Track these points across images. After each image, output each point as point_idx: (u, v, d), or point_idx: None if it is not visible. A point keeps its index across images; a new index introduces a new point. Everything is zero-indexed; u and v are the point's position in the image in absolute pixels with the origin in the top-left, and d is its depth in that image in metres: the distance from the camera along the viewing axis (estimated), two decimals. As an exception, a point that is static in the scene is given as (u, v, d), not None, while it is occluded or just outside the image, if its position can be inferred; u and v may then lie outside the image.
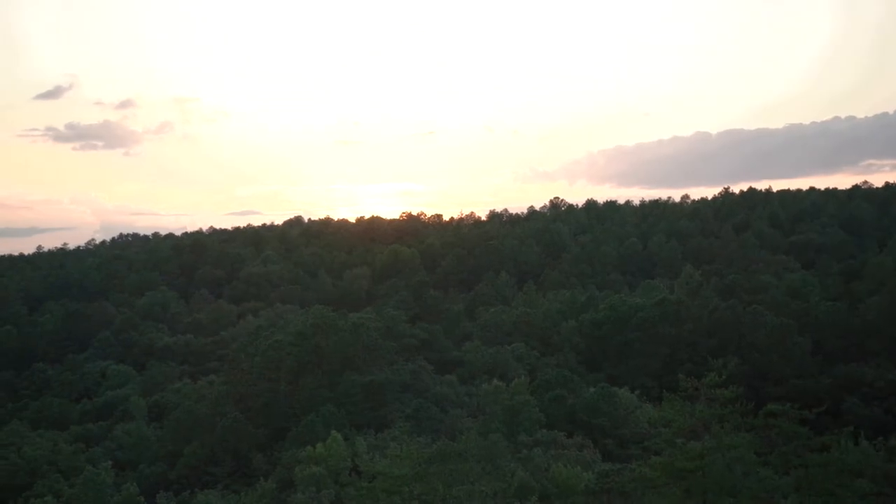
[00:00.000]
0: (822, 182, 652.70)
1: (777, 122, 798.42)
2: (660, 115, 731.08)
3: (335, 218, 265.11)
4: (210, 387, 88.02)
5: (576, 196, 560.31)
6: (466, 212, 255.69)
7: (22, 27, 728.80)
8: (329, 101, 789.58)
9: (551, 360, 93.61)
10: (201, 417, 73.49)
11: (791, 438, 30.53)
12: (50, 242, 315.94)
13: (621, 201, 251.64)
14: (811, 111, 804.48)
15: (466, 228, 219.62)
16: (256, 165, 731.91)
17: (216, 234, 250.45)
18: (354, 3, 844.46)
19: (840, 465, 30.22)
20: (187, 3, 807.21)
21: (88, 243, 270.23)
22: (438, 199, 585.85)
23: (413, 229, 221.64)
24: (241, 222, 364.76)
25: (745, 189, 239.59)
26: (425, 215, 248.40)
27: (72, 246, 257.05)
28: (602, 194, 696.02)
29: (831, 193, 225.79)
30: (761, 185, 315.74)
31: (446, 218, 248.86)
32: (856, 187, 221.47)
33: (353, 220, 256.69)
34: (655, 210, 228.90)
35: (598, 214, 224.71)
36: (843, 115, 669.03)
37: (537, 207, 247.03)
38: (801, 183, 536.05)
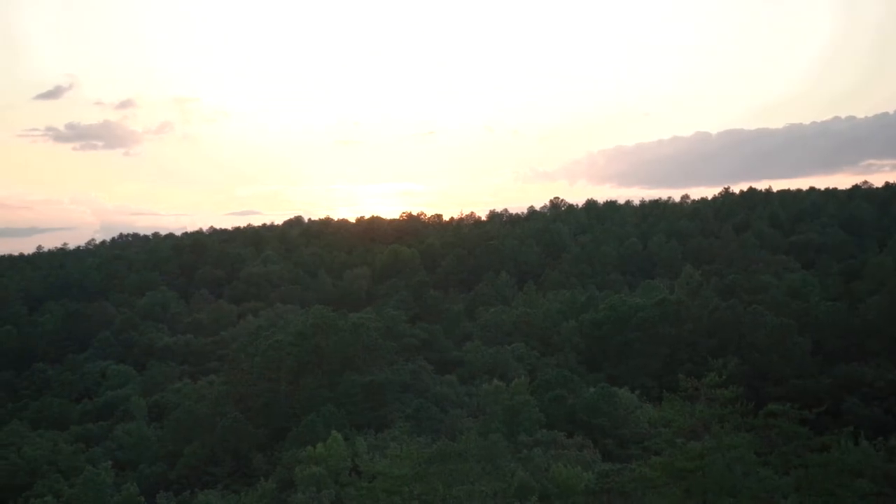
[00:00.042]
0: (822, 182, 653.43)
1: (777, 122, 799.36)
2: (660, 115, 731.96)
3: (335, 218, 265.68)
4: (210, 387, 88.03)
5: (576, 196, 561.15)
6: (466, 212, 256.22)
7: (22, 27, 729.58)
8: (329, 101, 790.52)
9: (551, 360, 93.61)
10: (201, 417, 73.49)
11: (791, 438, 30.53)
12: (50, 242, 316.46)
13: (621, 201, 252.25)
14: (811, 111, 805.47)
15: (466, 228, 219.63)
16: (256, 165, 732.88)
17: (216, 234, 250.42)
18: (354, 3, 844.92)
19: (840, 465, 30.23)
20: (187, 3, 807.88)
21: (88, 243, 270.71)
22: (438, 199, 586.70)
23: (413, 229, 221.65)
24: (241, 222, 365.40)
25: (745, 189, 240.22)
26: (425, 215, 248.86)
27: (72, 246, 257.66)
28: (602, 194, 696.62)
29: (831, 193, 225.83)
30: (761, 185, 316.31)
31: (446, 218, 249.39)
32: (856, 187, 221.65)
33: (353, 220, 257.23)
34: (655, 210, 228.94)
35: (598, 214, 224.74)
36: (843, 115, 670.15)
37: (537, 207, 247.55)
38: (801, 183, 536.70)
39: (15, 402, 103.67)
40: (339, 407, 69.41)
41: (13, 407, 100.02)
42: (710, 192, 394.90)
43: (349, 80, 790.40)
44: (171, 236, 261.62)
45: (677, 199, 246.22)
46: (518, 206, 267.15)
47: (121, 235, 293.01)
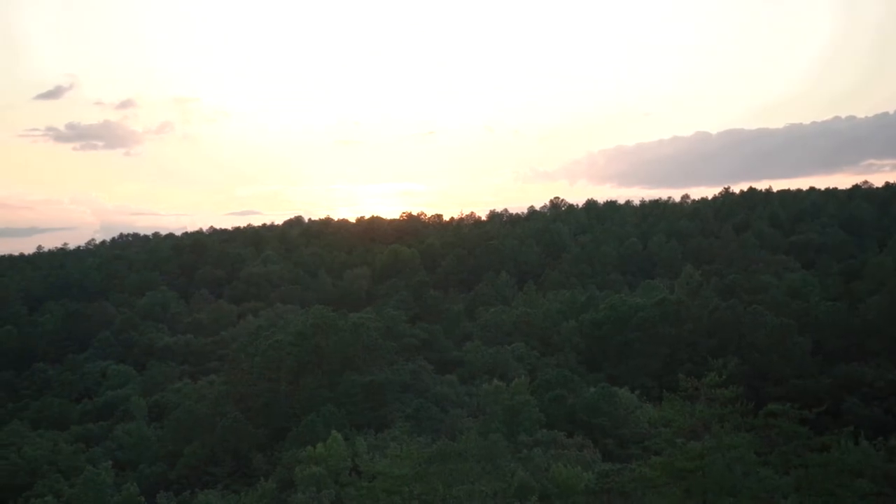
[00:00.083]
0: (822, 182, 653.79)
1: (777, 122, 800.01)
2: (660, 115, 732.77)
3: (335, 218, 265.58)
4: (210, 387, 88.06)
5: (576, 196, 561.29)
6: (466, 212, 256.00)
7: (22, 27, 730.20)
8: (329, 101, 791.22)
9: (551, 360, 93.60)
10: (201, 417, 73.49)
11: (791, 438, 30.52)
12: (50, 242, 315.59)
13: (621, 201, 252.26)
14: (811, 111, 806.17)
15: (466, 228, 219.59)
16: (256, 165, 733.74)
17: (216, 234, 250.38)
18: (354, 3, 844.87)
19: (840, 465, 30.22)
20: (187, 3, 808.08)
21: (88, 243, 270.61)
22: (438, 199, 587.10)
23: (413, 229, 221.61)
24: (242, 222, 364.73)
25: (745, 189, 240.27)
26: (425, 215, 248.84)
27: (72, 246, 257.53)
28: (602, 194, 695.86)
29: (831, 193, 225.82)
30: (761, 185, 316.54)
31: (446, 218, 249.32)
32: (856, 187, 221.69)
33: (353, 220, 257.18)
34: (655, 210, 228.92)
35: (599, 214, 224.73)
36: (843, 115, 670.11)
37: (537, 207, 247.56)
38: (802, 183, 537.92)
39: (15, 402, 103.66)
40: (339, 407, 69.40)
41: (13, 407, 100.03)
42: (711, 192, 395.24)
43: (349, 80, 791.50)
44: (171, 236, 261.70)
45: (677, 199, 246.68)
46: (518, 206, 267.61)
47: (121, 235, 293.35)
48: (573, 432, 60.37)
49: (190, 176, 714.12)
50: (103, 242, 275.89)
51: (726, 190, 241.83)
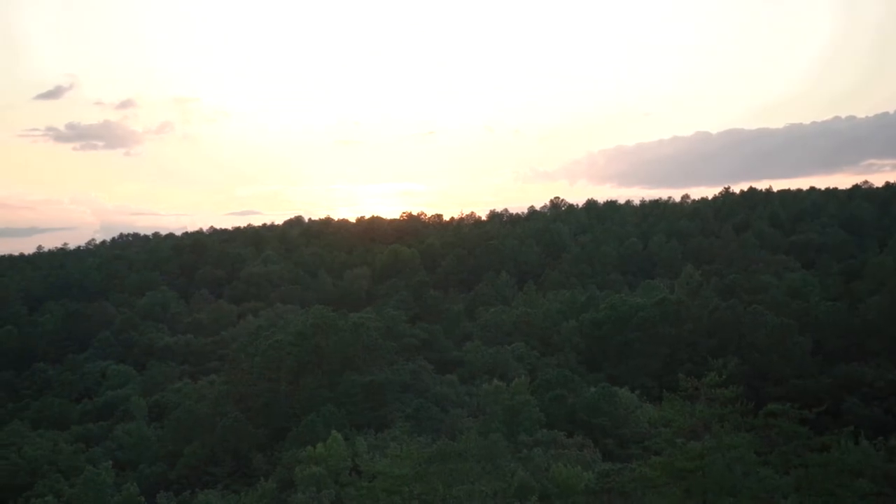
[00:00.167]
0: (822, 182, 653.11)
1: (777, 122, 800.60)
2: (660, 115, 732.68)
3: (335, 218, 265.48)
4: (210, 387, 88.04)
5: (576, 196, 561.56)
6: (467, 212, 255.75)
7: (22, 27, 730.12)
8: (329, 101, 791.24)
9: (551, 359, 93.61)
10: (201, 417, 73.50)
11: (791, 438, 30.51)
12: (50, 242, 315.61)
13: (621, 201, 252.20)
14: (811, 111, 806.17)
15: (467, 228, 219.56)
16: (256, 165, 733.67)
17: (216, 234, 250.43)
18: (354, 3, 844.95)
19: (840, 465, 30.21)
20: (187, 3, 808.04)
21: (88, 243, 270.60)
22: (438, 199, 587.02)
23: (413, 229, 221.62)
24: (242, 222, 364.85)
25: (745, 189, 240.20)
26: (425, 215, 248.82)
27: (72, 246, 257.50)
28: (602, 194, 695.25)
29: (832, 193, 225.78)
30: (762, 185, 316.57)
31: (446, 218, 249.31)
32: (856, 187, 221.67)
33: (353, 220, 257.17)
34: (656, 210, 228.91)
35: (599, 214, 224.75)
36: (843, 115, 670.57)
37: (537, 207, 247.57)
38: (802, 183, 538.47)
39: (15, 402, 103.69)
40: (339, 407, 69.41)
41: (13, 407, 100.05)
42: (711, 191, 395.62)
43: (349, 80, 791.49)
44: (171, 236, 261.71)
45: (677, 198, 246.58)
46: (518, 206, 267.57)
47: (121, 235, 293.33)
48: (573, 432, 60.36)
49: (190, 176, 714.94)
50: (103, 242, 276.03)
51: (726, 190, 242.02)
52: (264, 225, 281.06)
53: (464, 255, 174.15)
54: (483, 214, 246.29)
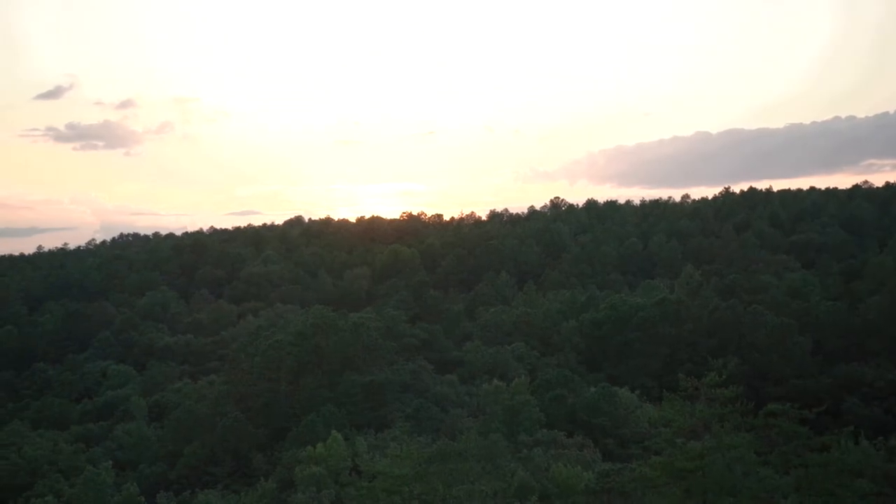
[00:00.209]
0: (822, 182, 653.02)
1: (777, 122, 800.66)
2: (660, 115, 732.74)
3: (335, 218, 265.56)
4: (210, 387, 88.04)
5: (576, 196, 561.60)
6: (467, 212, 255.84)
7: (22, 27, 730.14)
8: (329, 101, 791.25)
9: (551, 359, 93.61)
10: (201, 417, 73.50)
11: (791, 438, 30.51)
12: (50, 242, 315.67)
13: (622, 201, 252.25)
14: (811, 111, 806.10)
15: (467, 228, 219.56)
16: (256, 165, 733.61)
17: (216, 234, 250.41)
18: (354, 3, 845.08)
19: (840, 465, 30.21)
20: (187, 3, 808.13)
21: (88, 243, 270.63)
22: (438, 199, 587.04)
23: (413, 229, 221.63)
24: (242, 222, 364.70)
25: (745, 189, 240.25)
26: (425, 215, 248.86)
27: (72, 246, 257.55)
28: (602, 194, 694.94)
29: (832, 193, 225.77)
30: (762, 185, 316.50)
31: (446, 218, 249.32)
32: (856, 187, 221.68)
33: (353, 220, 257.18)
34: (656, 210, 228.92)
35: (599, 214, 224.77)
36: (843, 115, 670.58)
37: (538, 207, 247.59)
38: (802, 183, 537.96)
39: (15, 402, 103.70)
40: (339, 407, 69.42)
41: (13, 407, 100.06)
42: (711, 191, 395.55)
43: (349, 80, 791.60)
44: (171, 236, 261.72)
45: (677, 198, 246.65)
46: (518, 206, 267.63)
47: (121, 235, 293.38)
48: (573, 432, 60.36)
49: (190, 176, 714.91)
50: (103, 242, 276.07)
51: (726, 190, 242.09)
52: (264, 225, 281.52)
53: (464, 255, 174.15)
54: (483, 214, 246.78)
